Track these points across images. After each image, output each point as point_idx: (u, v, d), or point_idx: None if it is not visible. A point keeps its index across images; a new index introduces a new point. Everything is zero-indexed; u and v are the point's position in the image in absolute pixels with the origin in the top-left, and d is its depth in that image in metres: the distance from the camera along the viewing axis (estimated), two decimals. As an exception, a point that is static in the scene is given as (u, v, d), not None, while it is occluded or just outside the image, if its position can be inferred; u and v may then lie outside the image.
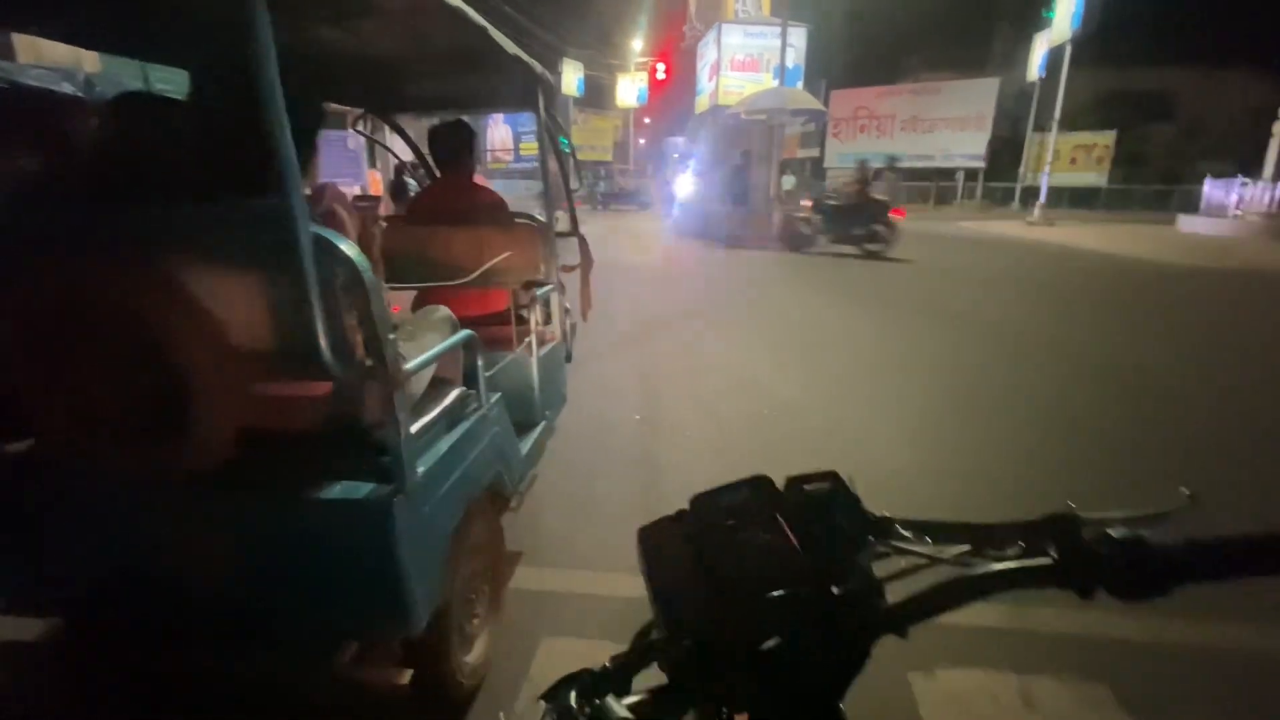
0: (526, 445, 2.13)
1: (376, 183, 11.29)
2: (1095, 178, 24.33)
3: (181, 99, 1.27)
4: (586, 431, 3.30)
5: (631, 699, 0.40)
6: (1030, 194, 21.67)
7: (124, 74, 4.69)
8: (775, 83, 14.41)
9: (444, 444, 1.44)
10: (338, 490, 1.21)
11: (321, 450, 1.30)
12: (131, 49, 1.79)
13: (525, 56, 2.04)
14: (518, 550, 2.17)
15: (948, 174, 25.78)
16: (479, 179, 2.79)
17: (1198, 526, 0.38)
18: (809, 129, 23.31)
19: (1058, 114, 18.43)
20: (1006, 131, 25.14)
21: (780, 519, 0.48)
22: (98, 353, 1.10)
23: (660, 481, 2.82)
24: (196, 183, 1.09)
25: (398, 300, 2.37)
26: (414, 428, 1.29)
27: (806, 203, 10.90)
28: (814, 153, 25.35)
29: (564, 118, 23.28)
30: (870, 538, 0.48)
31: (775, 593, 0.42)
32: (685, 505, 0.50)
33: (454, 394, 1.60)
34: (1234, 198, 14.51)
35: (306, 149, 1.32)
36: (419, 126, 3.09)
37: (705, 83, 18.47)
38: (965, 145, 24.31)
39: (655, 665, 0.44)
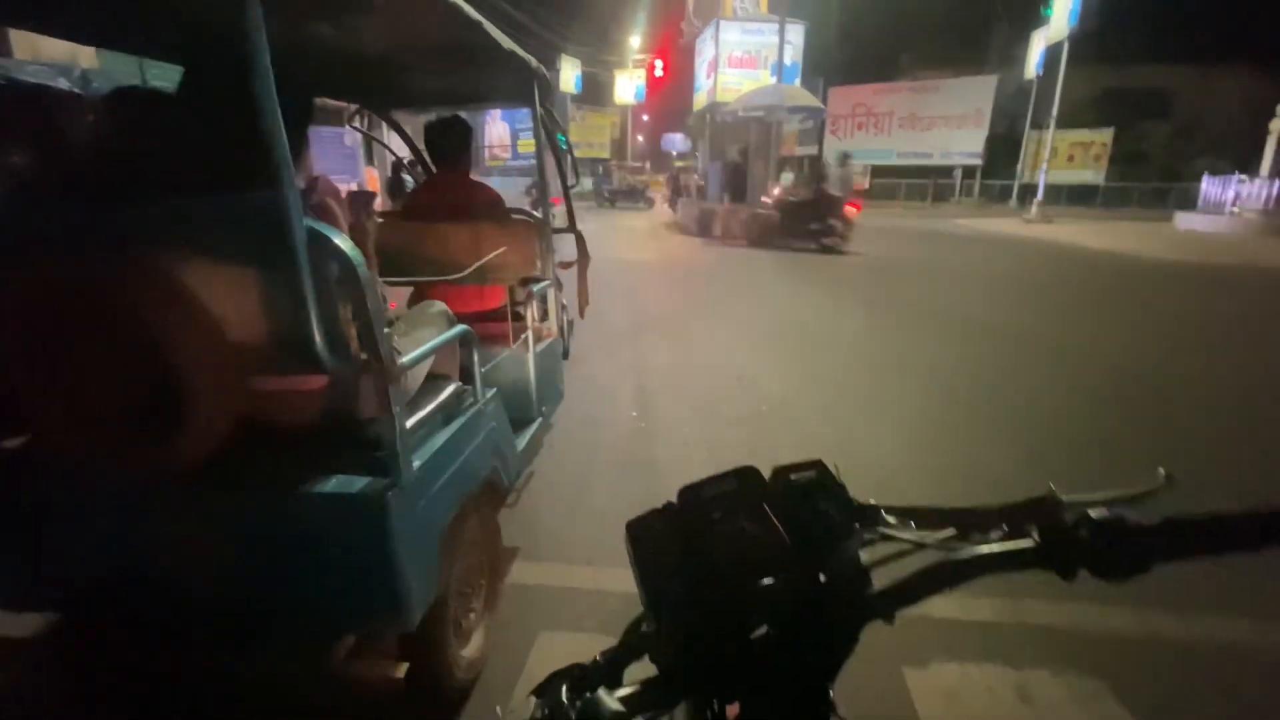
0: (523, 441, 2.13)
1: (374, 180, 11.24)
2: (1093, 175, 24.36)
3: (172, 93, 1.27)
4: (583, 428, 3.31)
5: (623, 692, 0.40)
6: (1028, 191, 21.70)
7: (120, 70, 4.67)
8: (773, 80, 14.38)
9: (440, 439, 1.44)
10: (333, 484, 1.21)
11: (317, 445, 1.30)
12: (126, 44, 1.78)
13: (521, 51, 2.04)
14: (514, 546, 2.18)
15: (945, 171, 25.81)
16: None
17: (1175, 507, 0.39)
18: (807, 126, 23.29)
19: (1055, 111, 18.43)
20: (1004, 129, 25.15)
21: (767, 509, 0.48)
22: (92, 348, 1.10)
23: (658, 478, 2.82)
24: (191, 177, 1.08)
25: (394, 296, 2.37)
26: (409, 422, 1.29)
27: (768, 199, 11.11)
28: (812, 149, 25.32)
29: (562, 114, 23.24)
30: (856, 525, 0.48)
31: (763, 582, 0.42)
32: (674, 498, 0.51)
33: (450, 389, 1.60)
34: (1231, 195, 14.54)
35: (298, 142, 1.31)
36: (415, 123, 3.08)
37: (703, 80, 18.41)
38: (963, 143, 24.33)
39: (646, 658, 0.44)
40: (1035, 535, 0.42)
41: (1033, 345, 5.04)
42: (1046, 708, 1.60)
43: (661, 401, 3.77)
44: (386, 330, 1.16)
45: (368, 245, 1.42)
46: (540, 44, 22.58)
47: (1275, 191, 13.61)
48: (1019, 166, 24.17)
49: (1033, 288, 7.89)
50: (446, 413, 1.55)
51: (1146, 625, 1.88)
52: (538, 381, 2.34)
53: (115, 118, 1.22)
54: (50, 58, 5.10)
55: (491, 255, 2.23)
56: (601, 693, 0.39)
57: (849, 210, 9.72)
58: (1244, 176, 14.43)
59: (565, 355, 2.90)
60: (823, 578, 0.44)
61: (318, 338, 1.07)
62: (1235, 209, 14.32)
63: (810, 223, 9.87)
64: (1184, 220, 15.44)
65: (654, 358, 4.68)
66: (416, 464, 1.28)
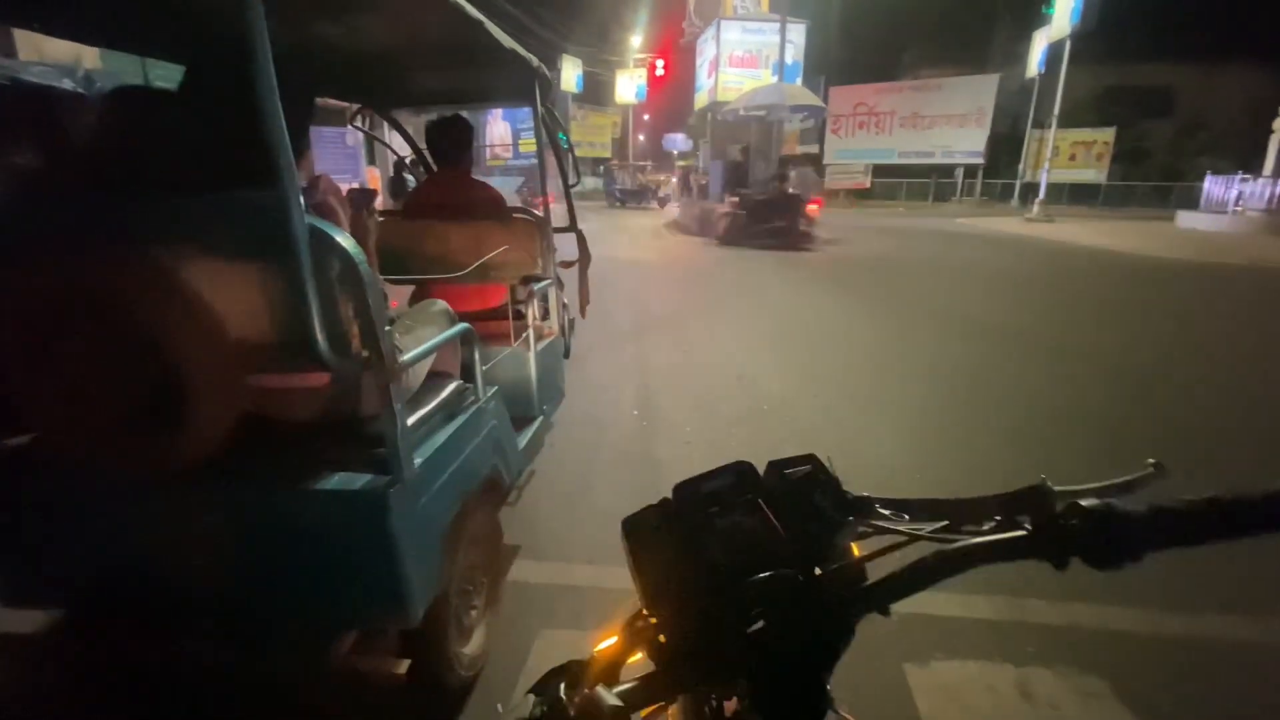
0: (524, 439, 2.13)
1: (375, 179, 11.26)
2: (1095, 174, 24.31)
3: (174, 92, 1.27)
4: (584, 426, 3.31)
5: (621, 688, 0.40)
6: (1029, 191, 21.67)
7: (123, 70, 4.68)
8: (774, 79, 14.39)
9: (441, 436, 1.44)
10: (335, 481, 1.22)
11: (319, 442, 1.30)
12: (128, 43, 1.79)
13: (521, 50, 2.04)
14: (515, 543, 2.18)
15: (947, 171, 25.77)
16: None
17: (1167, 495, 0.39)
18: (808, 125, 23.28)
19: (1057, 110, 18.40)
20: (1006, 128, 25.11)
21: (762, 503, 0.48)
22: (95, 345, 1.10)
23: (658, 476, 2.83)
24: (193, 175, 1.09)
25: (396, 294, 2.38)
26: (411, 420, 1.29)
27: (734, 199, 11.34)
28: (813, 149, 25.32)
29: (563, 114, 23.24)
30: (850, 518, 0.49)
31: (759, 576, 0.42)
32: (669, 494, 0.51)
33: (451, 387, 1.61)
34: (1234, 194, 14.49)
35: (300, 141, 1.32)
36: (417, 122, 3.08)
37: (704, 79, 18.42)
38: (964, 142, 24.29)
39: (643, 653, 0.44)
40: (1027, 525, 0.42)
41: (1034, 344, 5.04)
42: (1047, 705, 1.60)
43: (663, 400, 3.77)
44: (388, 328, 1.17)
45: (368, 243, 1.43)
46: (541, 43, 22.59)
47: (1278, 190, 13.57)
48: (1021, 165, 24.13)
49: (1034, 287, 7.87)
50: (448, 411, 1.55)
51: (1148, 623, 1.88)
52: (539, 380, 2.34)
53: (117, 117, 1.23)
54: (54, 58, 5.12)
55: (493, 254, 2.23)
56: (600, 689, 0.39)
57: (810, 209, 10.13)
58: (1247, 175, 14.38)
59: (566, 354, 2.91)
60: (818, 571, 0.44)
61: (319, 335, 1.08)
62: (1238, 208, 14.28)
63: (773, 220, 10.21)
64: (1186, 219, 15.41)
65: (654, 356, 4.68)
66: (418, 461, 1.28)
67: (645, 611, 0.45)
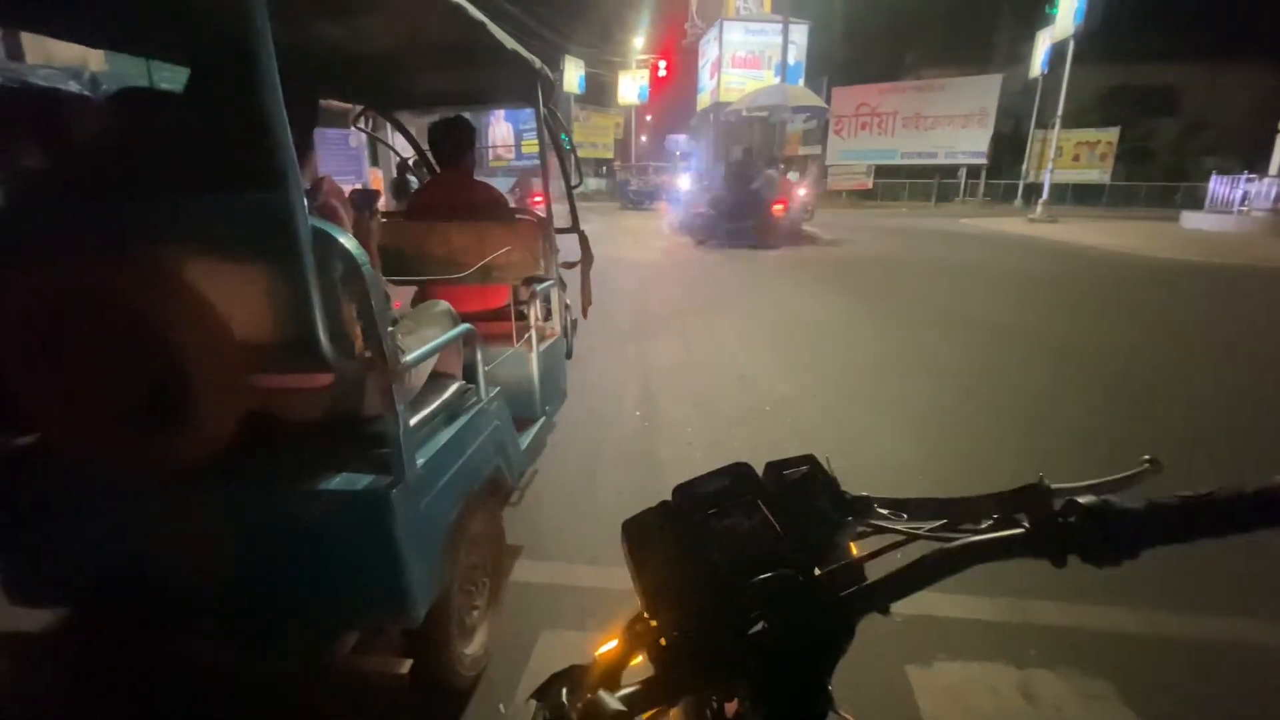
0: (526, 440, 2.14)
1: (378, 180, 11.30)
2: (1099, 174, 24.23)
3: (179, 94, 1.28)
4: (586, 427, 3.31)
5: (623, 692, 0.40)
6: (1033, 191, 21.60)
7: (130, 72, 4.70)
8: (776, 80, 14.41)
9: (443, 437, 1.45)
10: (337, 481, 1.22)
11: (322, 442, 1.31)
12: (133, 46, 1.80)
13: (524, 52, 2.04)
14: (517, 544, 2.19)
15: (950, 171, 25.71)
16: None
17: (1164, 491, 0.39)
18: (810, 126, 23.28)
19: (1061, 110, 18.35)
20: (1009, 128, 25.04)
21: (761, 504, 0.49)
22: (99, 345, 1.11)
23: (660, 477, 2.83)
24: (197, 177, 1.10)
25: (399, 295, 2.38)
26: (413, 420, 1.30)
27: (708, 200, 11.83)
28: (815, 150, 25.31)
29: (565, 115, 23.22)
30: (849, 518, 0.49)
31: (759, 577, 0.42)
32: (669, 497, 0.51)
33: (453, 388, 1.61)
34: (1239, 194, 14.42)
35: (304, 143, 1.32)
36: (420, 124, 3.09)
37: (707, 80, 18.46)
38: (967, 142, 24.23)
39: (644, 656, 0.44)
40: (1025, 523, 0.42)
41: (1037, 344, 5.02)
42: (1050, 707, 1.60)
43: (664, 399, 3.78)
44: (391, 329, 1.17)
45: (371, 244, 1.43)
46: (544, 44, 22.63)
47: (1284, 190, 13.50)
48: (1024, 166, 24.05)
49: (1037, 287, 7.85)
50: (450, 411, 1.56)
51: (1151, 625, 1.87)
52: (541, 381, 2.35)
53: (121, 118, 1.23)
54: (62, 61, 5.16)
55: (495, 255, 2.24)
56: (602, 694, 0.39)
57: (776, 209, 10.58)
58: (1253, 175, 14.31)
59: (569, 355, 2.91)
60: (817, 571, 0.44)
61: (322, 336, 1.08)
62: (1244, 208, 14.20)
63: (743, 220, 10.64)
64: (1191, 220, 15.33)
65: (653, 354, 4.69)
66: (420, 462, 1.28)
67: (646, 614, 0.45)
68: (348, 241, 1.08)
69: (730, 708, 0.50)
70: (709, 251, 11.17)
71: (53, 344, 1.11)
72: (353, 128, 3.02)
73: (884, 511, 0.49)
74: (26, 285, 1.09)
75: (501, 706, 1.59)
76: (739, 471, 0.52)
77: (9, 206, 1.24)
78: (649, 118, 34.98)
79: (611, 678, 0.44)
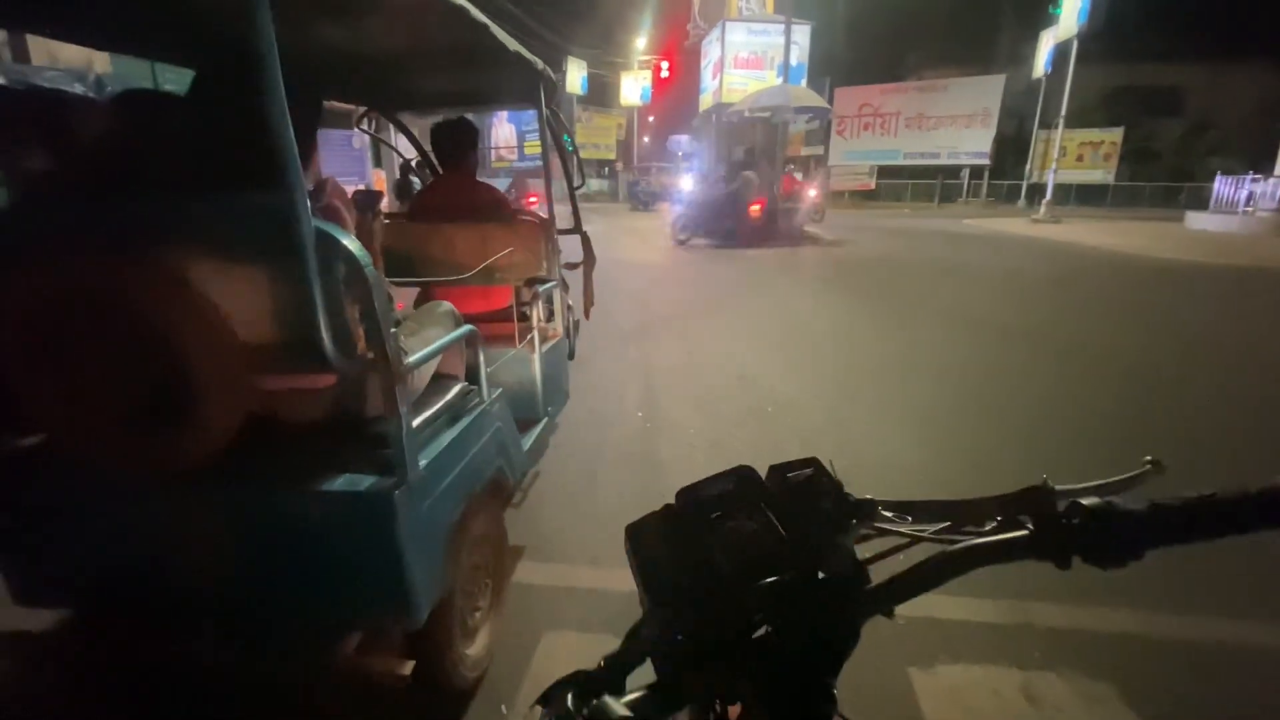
0: (529, 441, 2.14)
1: (381, 181, 11.34)
2: (1102, 175, 24.13)
3: (182, 96, 1.29)
4: (589, 428, 3.32)
5: (629, 697, 0.40)
6: (1036, 191, 21.55)
7: (134, 74, 4.73)
8: (779, 80, 14.40)
9: (446, 438, 1.45)
10: (340, 482, 1.22)
11: (324, 443, 1.31)
12: (138, 48, 1.81)
13: (526, 53, 2.05)
14: (520, 545, 2.19)
15: (953, 172, 25.65)
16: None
17: (1168, 491, 0.39)
18: (813, 126, 23.23)
19: (1064, 110, 18.30)
20: (1012, 129, 24.97)
21: (765, 507, 0.48)
22: (103, 347, 1.12)
23: (662, 478, 2.83)
24: (199, 178, 1.10)
25: (401, 296, 2.39)
26: (416, 421, 1.30)
27: (689, 201, 12.39)
28: (818, 150, 25.28)
29: (568, 116, 23.24)
30: (853, 520, 0.49)
31: (763, 580, 0.42)
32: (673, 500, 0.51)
33: (456, 389, 1.61)
34: (1244, 194, 14.35)
35: (307, 144, 1.33)
36: (423, 125, 3.10)
37: (709, 81, 18.45)
38: (970, 142, 24.17)
39: (649, 661, 0.44)
40: (1029, 525, 0.42)
41: (1042, 345, 5.01)
42: (1053, 709, 1.59)
43: (666, 400, 3.77)
44: (393, 330, 1.17)
45: (373, 245, 1.44)
46: (546, 46, 22.65)
47: (1290, 190, 13.43)
48: (1027, 166, 23.99)
49: (1041, 287, 7.83)
50: (452, 412, 1.56)
51: (1155, 627, 1.86)
52: (543, 382, 2.35)
53: (124, 120, 1.24)
54: (67, 63, 5.18)
55: (498, 256, 2.24)
56: (608, 699, 0.39)
57: (752, 209, 11.11)
58: (1258, 176, 14.25)
59: (571, 356, 2.91)
60: (822, 574, 0.44)
61: (325, 337, 1.08)
62: (1249, 209, 14.14)
63: (721, 221, 11.17)
64: (1195, 220, 15.27)
65: (654, 354, 4.69)
66: (423, 463, 1.29)
67: (650, 618, 0.45)
68: (350, 243, 1.08)
69: (734, 711, 0.50)
70: (711, 253, 11.22)
71: (57, 344, 1.12)
72: (356, 129, 3.02)
73: (888, 514, 0.49)
74: (30, 286, 1.09)
75: (503, 708, 1.59)
76: (742, 474, 0.52)
77: (13, 207, 1.24)
78: (651, 119, 35.00)
79: (617, 683, 0.44)
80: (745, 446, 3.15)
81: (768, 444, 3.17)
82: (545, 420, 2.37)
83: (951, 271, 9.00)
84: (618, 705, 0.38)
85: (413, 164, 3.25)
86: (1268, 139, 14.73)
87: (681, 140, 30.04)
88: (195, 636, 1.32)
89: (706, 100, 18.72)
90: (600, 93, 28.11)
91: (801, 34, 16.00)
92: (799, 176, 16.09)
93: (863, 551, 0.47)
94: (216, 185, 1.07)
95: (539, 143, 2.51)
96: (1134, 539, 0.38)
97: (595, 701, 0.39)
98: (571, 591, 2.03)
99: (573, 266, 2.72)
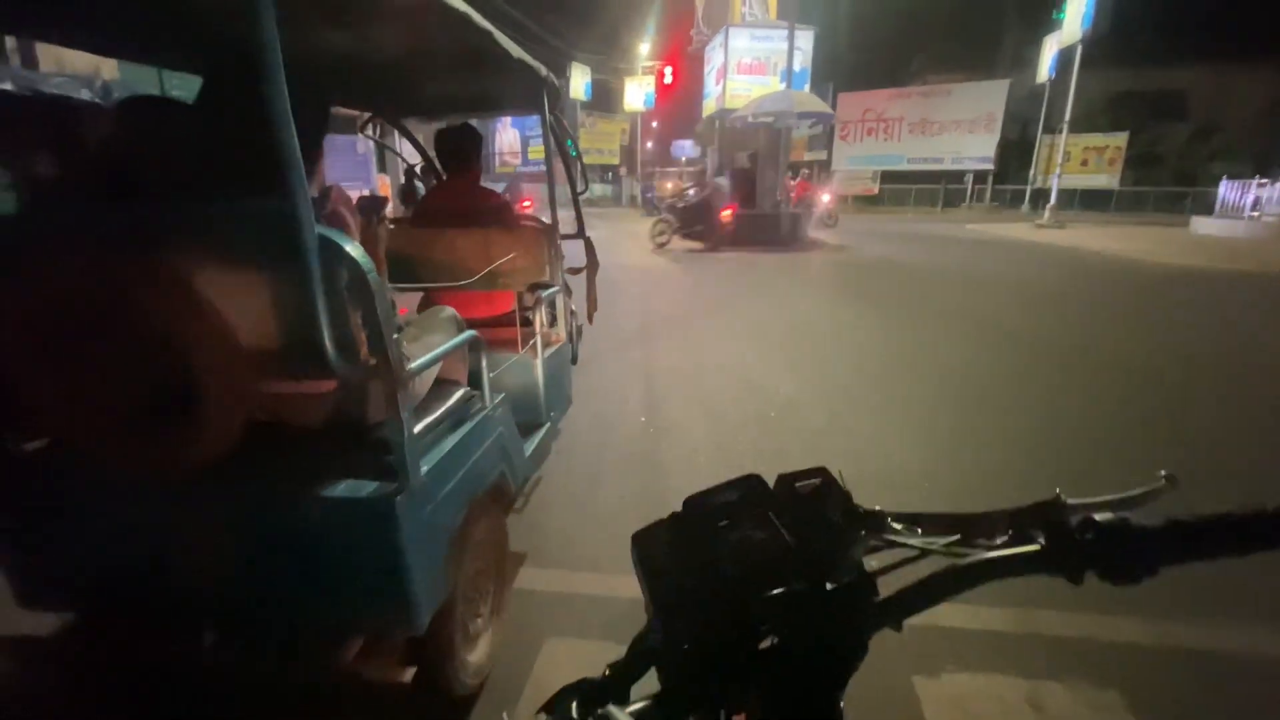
0: (531, 446, 2.14)
1: (385, 187, 11.40)
2: (1107, 179, 24.08)
3: (187, 102, 1.29)
4: (592, 433, 3.31)
5: (633, 706, 0.40)
6: (1040, 196, 21.50)
7: (141, 80, 4.77)
8: (782, 86, 14.42)
9: (448, 443, 1.45)
10: (342, 488, 1.22)
11: (326, 448, 1.31)
12: (143, 54, 1.82)
13: (530, 60, 2.05)
14: (522, 551, 2.18)
15: (956, 177, 25.63)
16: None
17: (1182, 507, 0.38)
18: (816, 132, 23.27)
19: (1068, 115, 18.28)
20: (1016, 133, 24.97)
21: (772, 517, 0.48)
22: (108, 350, 1.12)
23: (665, 483, 2.82)
24: (203, 183, 1.11)
25: (404, 302, 2.39)
26: (418, 427, 1.30)
27: (668, 208, 13.10)
28: (821, 155, 25.31)
29: (572, 121, 23.37)
30: (862, 532, 0.48)
31: (771, 591, 0.42)
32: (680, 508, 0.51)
33: (458, 394, 1.61)
34: (1250, 199, 14.29)
35: (313, 151, 1.33)
36: (427, 131, 3.12)
37: (712, 86, 18.46)
38: (974, 147, 24.15)
39: (654, 670, 0.44)
40: (1041, 539, 0.41)
41: (1047, 350, 4.98)
42: (1058, 719, 1.58)
43: (668, 404, 3.77)
44: (396, 335, 1.17)
45: (378, 251, 1.44)
46: (551, 51, 22.76)
47: (1297, 195, 13.36)
48: (1031, 171, 23.95)
49: (1046, 292, 7.80)
50: (455, 418, 1.56)
51: (1161, 635, 1.84)
52: (546, 387, 2.35)
53: (129, 125, 1.25)
54: (74, 69, 5.24)
55: (501, 261, 2.25)
56: (612, 708, 0.39)
57: (723, 215, 11.81)
58: (1264, 180, 14.19)
59: (574, 360, 2.91)
60: (829, 586, 0.44)
61: (328, 342, 1.08)
62: (1255, 213, 14.07)
63: (695, 225, 11.76)
64: (1201, 225, 15.21)
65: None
66: (424, 468, 1.29)
67: (655, 626, 0.45)
68: (353, 249, 1.09)
69: None
70: (715, 256, 11.29)
71: (62, 347, 1.12)
72: (360, 134, 3.04)
73: (897, 526, 0.49)
74: (36, 290, 1.10)
75: (505, 715, 1.58)
76: (750, 483, 0.51)
77: (19, 212, 1.25)
78: (655, 124, 35.09)
79: (621, 691, 0.43)
80: (749, 450, 3.14)
81: (771, 448, 3.16)
82: (548, 425, 2.37)
83: (956, 276, 8.98)
84: (622, 715, 0.38)
85: (417, 169, 3.26)
86: (1273, 143, 14.72)
87: (685, 145, 30.10)
88: (196, 638, 1.32)
89: (710, 106, 18.73)
90: (604, 98, 28.22)
91: (805, 39, 15.98)
92: (805, 176, 16.26)
93: (871, 563, 0.47)
94: (220, 191, 1.07)
95: (543, 148, 2.52)
96: (1149, 555, 0.37)
97: (600, 710, 0.39)
98: (574, 598, 2.02)
99: (576, 271, 2.72)
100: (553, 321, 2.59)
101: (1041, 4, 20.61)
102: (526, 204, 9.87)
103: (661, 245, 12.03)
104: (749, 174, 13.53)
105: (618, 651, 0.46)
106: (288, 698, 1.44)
